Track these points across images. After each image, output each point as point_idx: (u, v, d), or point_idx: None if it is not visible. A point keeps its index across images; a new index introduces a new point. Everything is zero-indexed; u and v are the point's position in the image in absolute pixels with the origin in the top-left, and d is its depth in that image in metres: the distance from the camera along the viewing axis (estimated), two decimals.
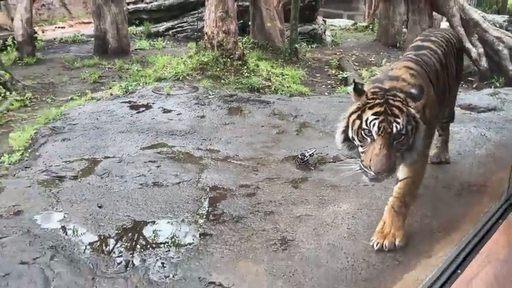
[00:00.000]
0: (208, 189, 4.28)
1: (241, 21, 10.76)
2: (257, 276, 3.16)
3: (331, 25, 15.07)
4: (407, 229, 3.37)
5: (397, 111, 2.73)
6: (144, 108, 6.64)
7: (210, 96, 7.08)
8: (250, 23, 11.25)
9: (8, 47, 9.86)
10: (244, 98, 7.11)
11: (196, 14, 12.40)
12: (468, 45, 9.79)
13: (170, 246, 3.51)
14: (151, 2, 13.33)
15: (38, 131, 5.89)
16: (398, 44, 12.54)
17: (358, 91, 2.86)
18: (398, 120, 2.70)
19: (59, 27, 14.46)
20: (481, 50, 10.03)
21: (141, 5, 13.35)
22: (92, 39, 11.37)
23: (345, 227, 3.61)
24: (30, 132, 5.81)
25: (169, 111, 6.42)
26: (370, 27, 15.13)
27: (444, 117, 4.30)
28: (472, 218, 3.37)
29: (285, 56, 10.35)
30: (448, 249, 2.90)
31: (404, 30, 12.73)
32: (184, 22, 13.07)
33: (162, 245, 3.55)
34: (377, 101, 2.79)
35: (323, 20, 13.88)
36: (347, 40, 13.82)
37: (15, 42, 10.00)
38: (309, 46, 11.83)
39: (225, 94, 7.26)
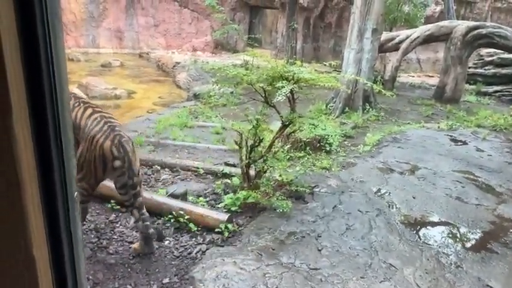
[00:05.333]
0: (502, 219, 3.64)
1: None
2: None
3: None
4: None
5: None
6: (461, 143, 6.06)
7: None
8: None
9: (377, 82, 9.34)
10: None
11: None
12: None
13: (456, 247, 3.18)
14: (489, 70, 11.44)
15: (383, 137, 6.07)
16: None
17: None
18: None
19: (411, 76, 14.08)
20: None
21: (479, 70, 11.61)
22: (433, 87, 10.58)
23: None
24: (378, 136, 6.02)
25: (482, 150, 5.67)
26: None
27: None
28: None
29: None
30: None
31: None
32: None
33: (450, 243, 3.24)
34: None
35: None
36: None
37: (382, 79, 10.24)
38: None
39: None
